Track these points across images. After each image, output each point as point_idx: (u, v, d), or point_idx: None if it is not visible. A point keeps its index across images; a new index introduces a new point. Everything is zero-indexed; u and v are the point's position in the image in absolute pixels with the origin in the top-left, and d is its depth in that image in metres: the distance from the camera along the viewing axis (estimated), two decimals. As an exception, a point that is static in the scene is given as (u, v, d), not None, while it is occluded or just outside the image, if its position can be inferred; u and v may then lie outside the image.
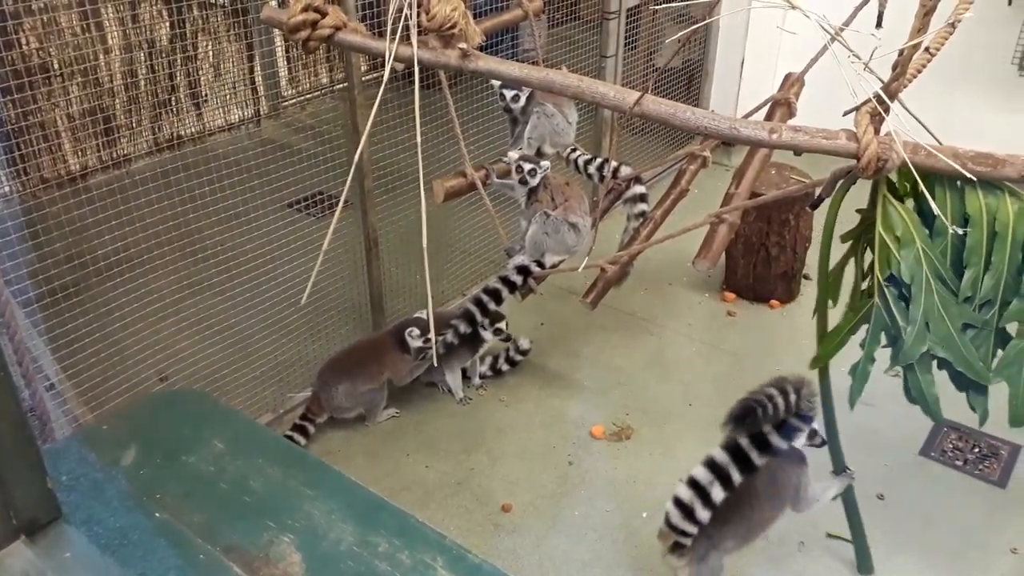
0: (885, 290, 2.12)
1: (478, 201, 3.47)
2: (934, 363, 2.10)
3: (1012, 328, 2.09)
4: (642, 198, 3.57)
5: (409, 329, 3.54)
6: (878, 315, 2.15)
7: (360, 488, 1.65)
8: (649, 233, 3.43)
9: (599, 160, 3.62)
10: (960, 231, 2.05)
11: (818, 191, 2.34)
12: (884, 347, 2.17)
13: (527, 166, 3.40)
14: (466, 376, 3.85)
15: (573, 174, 3.73)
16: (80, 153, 4.62)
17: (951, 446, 3.45)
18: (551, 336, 4.20)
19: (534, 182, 3.43)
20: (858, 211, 2.26)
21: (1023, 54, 5.18)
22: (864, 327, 2.18)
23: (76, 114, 4.58)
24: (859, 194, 2.23)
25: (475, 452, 3.49)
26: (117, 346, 3.15)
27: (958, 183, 2.07)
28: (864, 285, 2.22)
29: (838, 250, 2.39)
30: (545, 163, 3.45)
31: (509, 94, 3.45)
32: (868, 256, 2.24)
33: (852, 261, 2.36)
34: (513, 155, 3.44)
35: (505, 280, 3.50)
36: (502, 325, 3.66)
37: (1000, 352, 2.09)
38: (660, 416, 3.65)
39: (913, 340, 2.07)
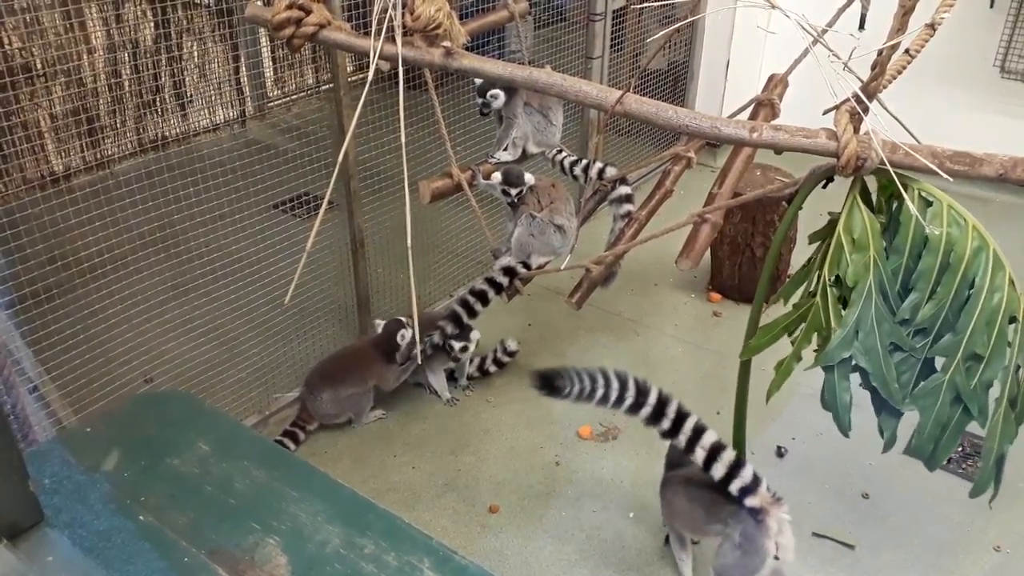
0: (828, 290, 2.12)
1: (464, 202, 3.47)
2: (856, 375, 2.08)
3: (940, 363, 2.07)
4: (628, 199, 3.58)
5: (401, 332, 3.53)
6: (815, 315, 2.15)
7: (346, 490, 1.65)
8: (634, 234, 3.44)
9: (584, 162, 3.63)
10: (938, 230, 2.03)
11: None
12: (815, 350, 2.16)
13: (514, 191, 3.44)
14: (453, 377, 3.85)
15: (559, 175, 3.74)
16: (63, 154, 4.59)
17: (935, 444, 3.46)
18: (538, 337, 4.20)
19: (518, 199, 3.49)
20: (829, 213, 2.27)
21: (1005, 56, 5.23)
22: (802, 326, 2.19)
23: (59, 114, 4.55)
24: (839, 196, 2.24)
25: (462, 453, 3.49)
26: (101, 348, 3.12)
27: (930, 204, 2.06)
28: (813, 285, 2.22)
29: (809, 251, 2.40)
30: (530, 177, 3.47)
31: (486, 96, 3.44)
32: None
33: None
34: (497, 176, 3.44)
35: (491, 281, 3.51)
36: (469, 345, 3.64)
37: (923, 383, 2.07)
38: (646, 416, 3.65)
39: (839, 343, 2.05)
